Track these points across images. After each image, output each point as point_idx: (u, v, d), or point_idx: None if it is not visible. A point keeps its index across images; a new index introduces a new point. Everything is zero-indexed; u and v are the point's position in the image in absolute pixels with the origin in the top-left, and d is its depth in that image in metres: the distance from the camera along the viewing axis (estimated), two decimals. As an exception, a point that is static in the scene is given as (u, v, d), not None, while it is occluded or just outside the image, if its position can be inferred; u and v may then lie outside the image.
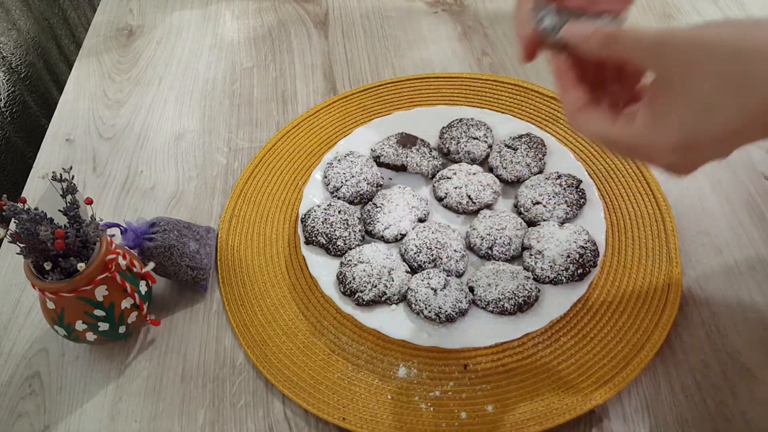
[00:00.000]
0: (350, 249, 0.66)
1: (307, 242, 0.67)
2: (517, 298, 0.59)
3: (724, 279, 0.64)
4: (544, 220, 0.66)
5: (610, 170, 0.73)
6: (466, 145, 0.73)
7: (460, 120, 0.75)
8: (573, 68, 0.43)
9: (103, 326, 0.57)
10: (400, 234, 0.68)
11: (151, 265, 0.61)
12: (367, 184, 0.71)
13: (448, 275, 0.63)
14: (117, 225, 0.61)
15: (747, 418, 0.55)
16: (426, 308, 0.59)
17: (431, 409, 0.57)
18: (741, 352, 0.59)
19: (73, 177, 0.53)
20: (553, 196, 0.67)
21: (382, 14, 0.98)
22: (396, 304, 0.62)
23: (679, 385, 0.57)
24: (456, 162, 0.73)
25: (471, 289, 0.62)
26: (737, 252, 0.65)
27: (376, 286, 0.61)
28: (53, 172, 0.53)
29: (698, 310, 0.62)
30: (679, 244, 0.66)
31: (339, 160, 0.72)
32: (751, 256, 0.65)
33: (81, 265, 0.51)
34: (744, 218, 0.68)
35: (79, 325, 0.56)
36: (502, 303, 0.60)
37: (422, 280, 0.61)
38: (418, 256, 0.64)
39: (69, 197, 0.53)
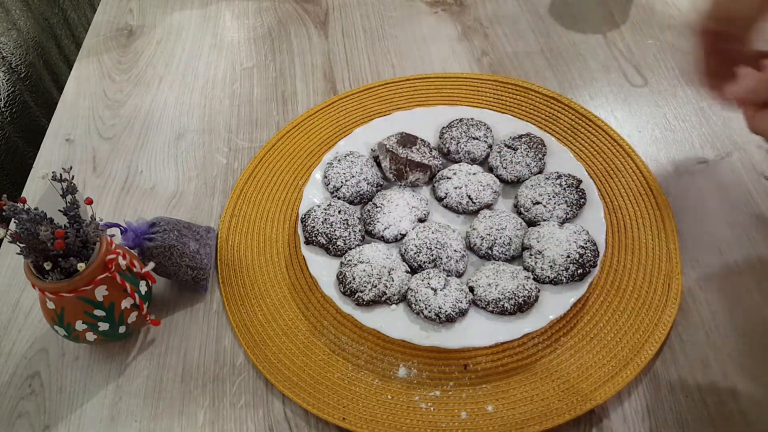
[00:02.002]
0: (350, 249, 0.66)
1: (308, 242, 0.67)
2: (517, 298, 0.59)
3: (724, 279, 0.64)
4: (544, 220, 0.66)
5: (610, 170, 0.73)
6: (466, 145, 0.73)
7: (460, 120, 0.75)
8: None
9: (103, 326, 0.57)
10: (400, 234, 0.67)
11: (151, 265, 0.61)
12: (367, 184, 0.71)
13: (448, 275, 0.63)
14: (117, 225, 0.61)
15: (747, 419, 0.55)
16: (426, 308, 0.59)
17: (431, 409, 0.57)
18: (741, 351, 0.59)
19: (73, 177, 0.53)
20: (553, 196, 0.67)
21: (382, 14, 0.98)
22: (396, 304, 0.62)
23: (679, 385, 0.57)
24: (456, 162, 0.73)
25: (471, 289, 0.62)
26: (737, 252, 0.65)
27: (376, 286, 0.61)
28: (53, 172, 0.53)
29: (698, 310, 0.62)
30: (679, 244, 0.66)
31: (339, 160, 0.72)
32: (751, 255, 0.65)
33: (81, 265, 0.51)
34: (744, 218, 0.68)
35: (79, 325, 0.56)
36: (502, 303, 0.60)
37: (422, 280, 0.61)
38: (418, 256, 0.64)
39: (69, 197, 0.53)
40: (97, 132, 0.84)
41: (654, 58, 0.86)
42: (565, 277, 0.61)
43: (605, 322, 0.61)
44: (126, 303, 0.58)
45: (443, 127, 0.76)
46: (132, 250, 0.62)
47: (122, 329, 0.59)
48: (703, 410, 0.55)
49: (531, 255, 0.63)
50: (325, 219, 0.66)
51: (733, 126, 0.77)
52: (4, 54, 0.97)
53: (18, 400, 0.60)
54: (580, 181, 0.68)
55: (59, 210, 0.54)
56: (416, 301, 0.60)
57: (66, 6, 1.08)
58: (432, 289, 0.60)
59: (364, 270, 0.62)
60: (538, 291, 0.61)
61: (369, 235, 0.69)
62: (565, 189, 0.67)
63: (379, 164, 0.74)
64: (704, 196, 0.70)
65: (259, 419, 0.58)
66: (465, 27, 0.95)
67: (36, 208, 0.52)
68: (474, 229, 0.66)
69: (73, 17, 1.11)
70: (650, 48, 0.87)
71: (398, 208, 0.68)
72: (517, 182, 0.71)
